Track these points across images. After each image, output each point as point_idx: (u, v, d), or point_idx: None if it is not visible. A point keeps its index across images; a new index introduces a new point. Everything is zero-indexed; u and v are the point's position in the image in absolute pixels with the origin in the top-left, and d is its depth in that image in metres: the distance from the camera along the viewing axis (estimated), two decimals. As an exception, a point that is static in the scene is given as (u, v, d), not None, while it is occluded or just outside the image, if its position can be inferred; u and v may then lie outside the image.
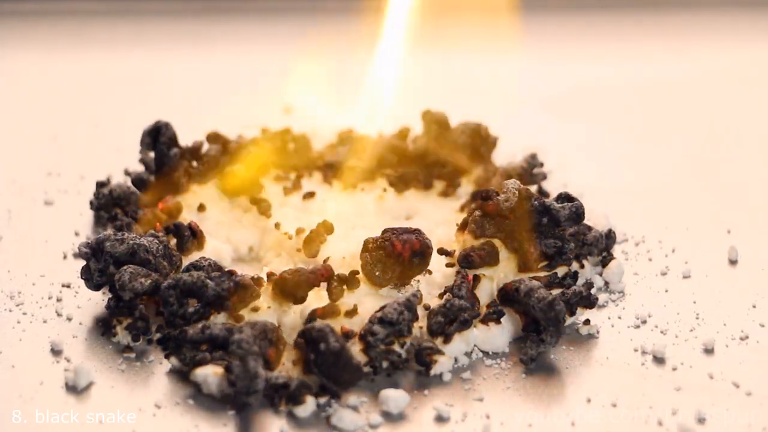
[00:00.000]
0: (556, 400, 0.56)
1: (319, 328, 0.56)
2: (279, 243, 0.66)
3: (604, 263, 0.65)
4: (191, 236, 0.64)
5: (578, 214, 0.62)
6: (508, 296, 0.60)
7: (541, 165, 0.72)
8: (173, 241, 0.64)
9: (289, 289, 0.59)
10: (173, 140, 0.70)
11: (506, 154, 0.75)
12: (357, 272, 0.60)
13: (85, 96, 0.91)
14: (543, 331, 0.58)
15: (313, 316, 0.59)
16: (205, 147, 0.71)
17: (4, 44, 1.00)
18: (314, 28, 0.93)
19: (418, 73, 0.92)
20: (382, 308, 0.58)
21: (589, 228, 0.63)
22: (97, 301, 0.62)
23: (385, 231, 0.61)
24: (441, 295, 0.61)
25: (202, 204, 0.68)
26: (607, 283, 0.65)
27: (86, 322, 0.61)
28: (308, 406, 0.55)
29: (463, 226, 0.63)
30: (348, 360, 0.56)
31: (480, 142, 0.73)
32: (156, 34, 1.04)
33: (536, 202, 0.62)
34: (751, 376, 0.57)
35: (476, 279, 0.61)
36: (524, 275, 0.61)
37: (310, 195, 0.70)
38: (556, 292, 0.60)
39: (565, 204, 0.63)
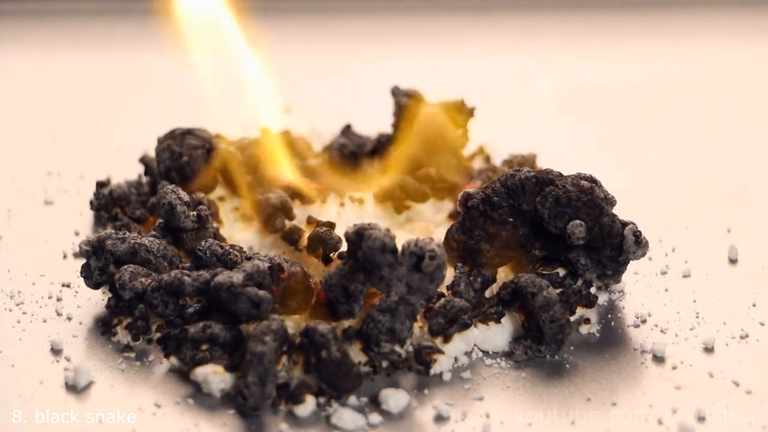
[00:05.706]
0: (556, 400, 0.56)
1: (322, 333, 0.55)
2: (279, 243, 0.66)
3: (604, 263, 0.65)
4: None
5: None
6: (519, 294, 0.59)
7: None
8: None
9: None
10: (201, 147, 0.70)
11: (506, 155, 0.75)
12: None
13: (85, 96, 0.91)
14: (543, 343, 0.59)
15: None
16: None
17: (4, 44, 1.00)
18: (315, 28, 0.93)
19: (420, 73, 0.92)
20: (387, 311, 0.57)
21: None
22: (97, 300, 0.62)
23: None
24: (441, 296, 0.61)
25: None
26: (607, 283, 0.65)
27: (86, 322, 0.61)
28: (308, 405, 0.55)
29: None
30: (349, 369, 0.55)
31: (457, 111, 0.72)
32: (156, 34, 1.04)
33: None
34: (751, 374, 0.57)
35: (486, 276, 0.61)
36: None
37: (310, 198, 0.70)
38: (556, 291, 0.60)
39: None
